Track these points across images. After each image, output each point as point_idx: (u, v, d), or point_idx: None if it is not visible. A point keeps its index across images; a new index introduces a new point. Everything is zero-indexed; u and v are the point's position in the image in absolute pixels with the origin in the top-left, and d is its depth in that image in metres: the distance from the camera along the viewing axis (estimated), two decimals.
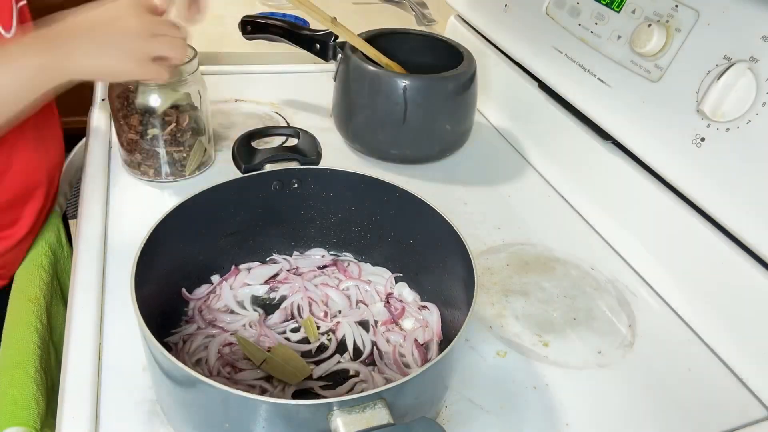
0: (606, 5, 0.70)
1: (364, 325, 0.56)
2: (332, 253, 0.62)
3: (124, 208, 0.68)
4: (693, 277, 0.62)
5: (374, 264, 0.62)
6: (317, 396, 0.49)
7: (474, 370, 0.54)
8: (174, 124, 0.68)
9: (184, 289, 0.55)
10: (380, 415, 0.35)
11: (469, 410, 0.50)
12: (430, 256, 0.55)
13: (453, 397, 0.51)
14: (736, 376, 0.57)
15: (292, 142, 0.61)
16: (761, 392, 0.55)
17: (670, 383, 0.55)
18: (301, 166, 0.57)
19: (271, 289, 0.58)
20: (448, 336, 0.54)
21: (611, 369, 0.56)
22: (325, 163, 0.59)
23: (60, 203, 0.81)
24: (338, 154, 0.83)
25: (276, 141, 0.79)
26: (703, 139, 0.58)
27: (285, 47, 0.88)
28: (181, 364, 0.36)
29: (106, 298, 0.56)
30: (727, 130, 0.56)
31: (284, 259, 0.61)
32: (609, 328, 0.60)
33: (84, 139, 0.86)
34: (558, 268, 0.67)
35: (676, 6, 0.62)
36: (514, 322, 0.60)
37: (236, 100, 0.92)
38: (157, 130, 0.68)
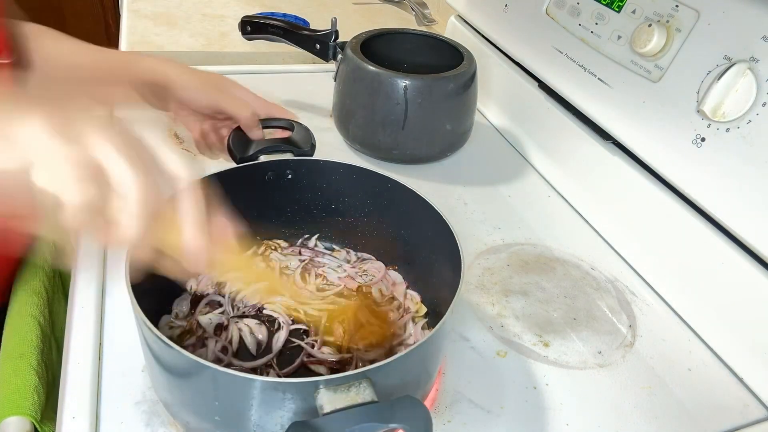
0: (606, 5, 0.70)
1: None
2: (326, 244, 0.63)
3: None
4: (693, 277, 0.62)
5: (368, 254, 0.62)
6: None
7: (474, 370, 0.54)
8: None
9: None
10: (365, 393, 0.35)
11: (469, 410, 0.50)
12: (421, 247, 0.56)
13: (453, 397, 0.51)
14: (736, 376, 0.57)
15: (287, 134, 0.61)
16: (761, 392, 0.55)
17: (670, 383, 0.55)
18: (295, 157, 0.58)
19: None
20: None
21: (611, 369, 0.56)
22: None
23: None
24: (339, 154, 0.83)
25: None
26: (703, 139, 0.58)
27: (285, 47, 0.88)
28: (169, 341, 0.37)
29: (107, 299, 0.56)
30: (728, 130, 0.56)
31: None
32: (609, 328, 0.60)
33: None
34: (558, 268, 0.67)
35: (677, 6, 0.62)
36: (514, 322, 0.60)
37: None
38: None
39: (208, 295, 0.55)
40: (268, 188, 0.58)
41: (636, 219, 0.69)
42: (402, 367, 0.40)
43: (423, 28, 1.23)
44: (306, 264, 0.59)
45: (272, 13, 1.18)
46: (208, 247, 0.38)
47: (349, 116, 0.80)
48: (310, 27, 0.88)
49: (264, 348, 0.52)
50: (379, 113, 0.77)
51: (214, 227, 0.39)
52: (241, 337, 0.52)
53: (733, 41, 0.56)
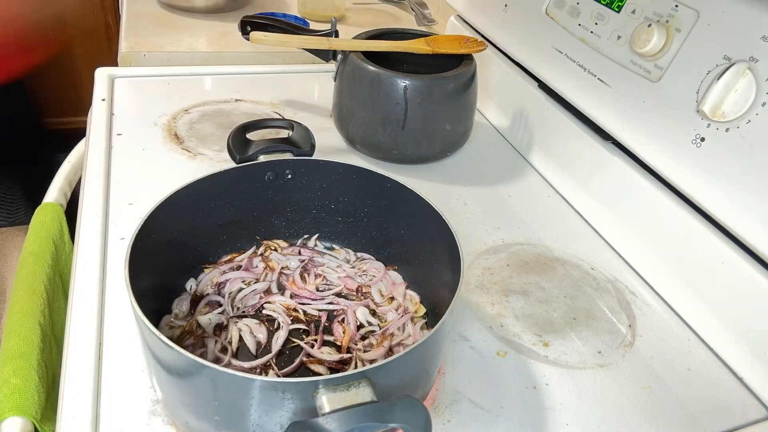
0: (606, 5, 0.70)
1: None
2: (326, 244, 0.63)
3: (124, 207, 0.68)
4: (693, 276, 0.62)
5: (368, 254, 0.62)
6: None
7: (474, 370, 0.54)
8: None
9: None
10: (364, 393, 0.36)
11: (469, 410, 0.50)
12: (421, 247, 0.56)
13: (452, 397, 0.51)
14: (736, 376, 0.57)
15: (287, 134, 0.62)
16: (761, 392, 0.55)
17: (670, 383, 0.55)
18: (295, 157, 0.58)
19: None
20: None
21: (611, 369, 0.56)
22: None
23: (60, 202, 0.81)
24: (339, 154, 0.83)
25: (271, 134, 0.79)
26: (703, 139, 0.58)
27: (285, 47, 0.88)
28: (169, 341, 0.37)
29: (107, 299, 0.56)
30: (727, 130, 0.56)
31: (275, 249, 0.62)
32: (609, 328, 0.60)
33: (84, 139, 0.87)
34: (558, 268, 0.67)
35: (676, 6, 0.62)
36: (514, 322, 0.60)
37: (236, 100, 0.92)
38: None
39: (208, 295, 0.55)
40: (267, 188, 0.58)
41: (636, 219, 0.69)
42: (401, 367, 0.40)
43: (423, 28, 1.23)
44: (306, 264, 0.59)
45: (272, 13, 1.18)
46: None
47: (349, 116, 0.80)
48: (310, 27, 0.88)
49: (263, 348, 0.52)
50: (379, 113, 0.77)
51: None
52: (240, 337, 0.52)
53: (733, 41, 0.56)
